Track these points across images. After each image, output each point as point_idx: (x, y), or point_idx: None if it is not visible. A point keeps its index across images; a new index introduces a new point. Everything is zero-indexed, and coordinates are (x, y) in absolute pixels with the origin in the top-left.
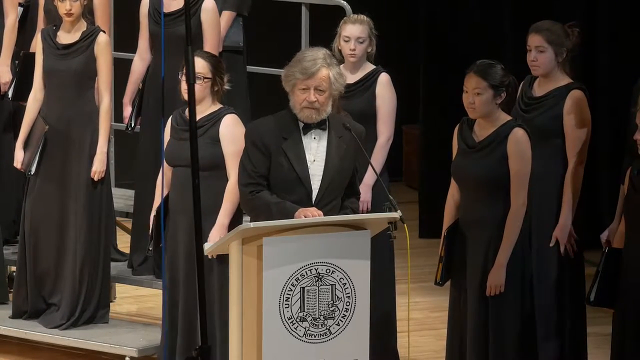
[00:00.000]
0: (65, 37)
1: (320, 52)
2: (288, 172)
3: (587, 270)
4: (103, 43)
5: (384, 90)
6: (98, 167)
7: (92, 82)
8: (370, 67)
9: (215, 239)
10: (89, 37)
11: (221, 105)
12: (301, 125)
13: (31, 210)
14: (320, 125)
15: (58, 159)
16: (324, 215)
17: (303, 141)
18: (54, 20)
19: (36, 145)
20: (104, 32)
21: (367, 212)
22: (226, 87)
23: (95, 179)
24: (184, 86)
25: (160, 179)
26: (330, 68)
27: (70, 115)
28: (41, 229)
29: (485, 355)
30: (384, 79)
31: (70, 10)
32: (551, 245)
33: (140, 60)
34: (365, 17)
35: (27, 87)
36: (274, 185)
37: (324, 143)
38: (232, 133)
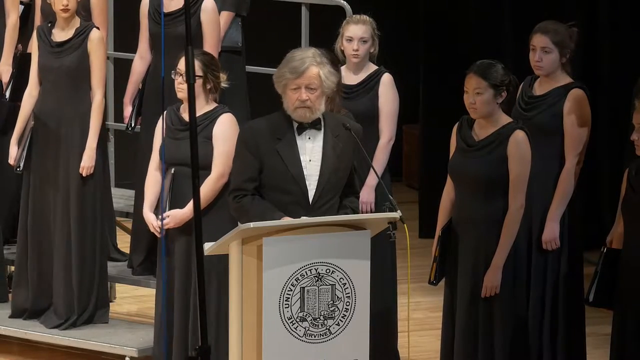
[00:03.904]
0: (60, 34)
1: (309, 52)
2: (283, 172)
3: (587, 270)
4: (96, 39)
5: (387, 90)
6: (86, 162)
7: (87, 79)
8: (372, 67)
9: (171, 223)
10: (82, 33)
11: (217, 104)
12: (295, 125)
13: (27, 208)
14: (314, 125)
15: (50, 157)
16: (322, 215)
17: (297, 141)
18: (49, 18)
19: (24, 142)
20: (97, 28)
21: (370, 213)
22: (224, 84)
23: (84, 174)
24: (178, 85)
25: (152, 179)
26: (320, 66)
27: (63, 113)
28: (37, 227)
29: (473, 356)
30: (386, 79)
31: (67, 5)
32: (547, 248)
33: (141, 60)
34: (367, 17)
35: (23, 87)
36: (270, 186)
37: (319, 143)
38: (225, 132)
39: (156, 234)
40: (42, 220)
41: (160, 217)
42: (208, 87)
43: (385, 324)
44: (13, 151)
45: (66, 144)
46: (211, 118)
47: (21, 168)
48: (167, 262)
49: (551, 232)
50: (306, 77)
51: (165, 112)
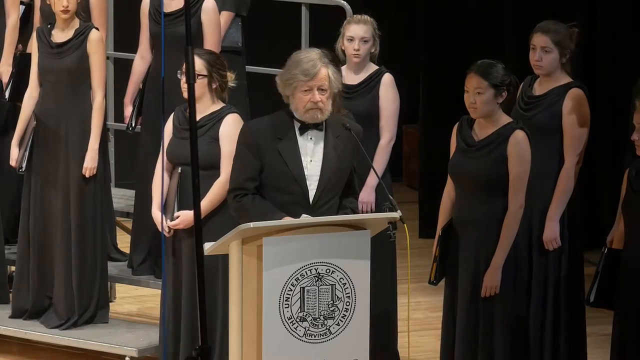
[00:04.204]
0: (59, 35)
1: (314, 53)
2: (283, 172)
3: (587, 270)
4: (95, 40)
5: (387, 90)
6: (89, 163)
7: (86, 79)
8: (373, 67)
9: (182, 225)
10: (82, 34)
11: (223, 105)
12: (297, 125)
13: (28, 208)
14: (316, 125)
15: (50, 157)
16: (323, 215)
17: (299, 142)
18: (48, 19)
19: (26, 142)
20: (97, 29)
21: (371, 213)
22: (231, 84)
23: (87, 175)
24: (183, 84)
25: (159, 179)
26: (328, 67)
27: (63, 113)
28: (38, 228)
29: (474, 356)
30: (387, 79)
31: (67, 7)
32: (548, 248)
33: (141, 60)
34: (368, 17)
35: (23, 87)
36: (270, 186)
37: (320, 143)
38: (231, 132)
39: (165, 233)
40: (43, 221)
41: (162, 215)
42: (214, 86)
43: (385, 324)
44: (14, 153)
45: (66, 145)
46: (217, 118)
47: (24, 169)
48: (174, 264)
49: (551, 232)
50: (318, 79)
51: (173, 112)
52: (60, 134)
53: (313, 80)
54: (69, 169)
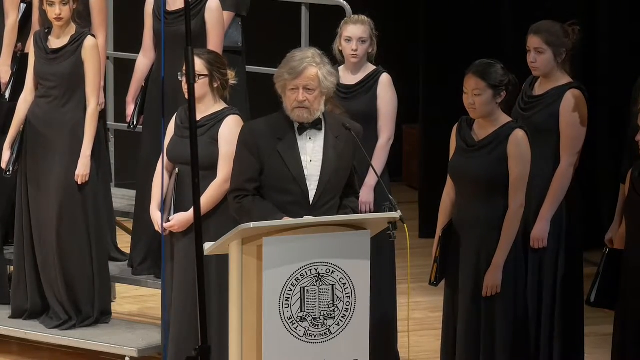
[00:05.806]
0: (55, 41)
1: (309, 52)
2: (283, 173)
3: (587, 270)
4: (89, 47)
5: (385, 90)
6: (81, 170)
7: (80, 86)
8: (371, 67)
9: (176, 227)
10: (77, 41)
11: (225, 105)
12: (296, 125)
13: (21, 210)
14: (315, 125)
15: (41, 161)
16: (323, 215)
17: (298, 142)
18: (48, 20)
19: (15, 146)
20: (92, 36)
21: (370, 213)
22: (232, 82)
23: (79, 182)
24: (184, 85)
25: (160, 178)
26: (318, 67)
27: (55, 118)
28: (30, 230)
29: (475, 355)
30: (385, 79)
31: (60, 14)
32: (534, 246)
33: (144, 59)
34: (366, 17)
35: (23, 87)
36: (270, 186)
37: (320, 143)
38: (230, 134)
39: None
40: (34, 224)
41: (162, 216)
42: (215, 85)
43: (385, 324)
44: (6, 155)
45: (56, 149)
46: (218, 119)
47: (11, 172)
48: (170, 266)
49: (540, 230)
50: (304, 78)
51: (176, 112)
52: (50, 138)
53: (298, 78)
54: (58, 174)
